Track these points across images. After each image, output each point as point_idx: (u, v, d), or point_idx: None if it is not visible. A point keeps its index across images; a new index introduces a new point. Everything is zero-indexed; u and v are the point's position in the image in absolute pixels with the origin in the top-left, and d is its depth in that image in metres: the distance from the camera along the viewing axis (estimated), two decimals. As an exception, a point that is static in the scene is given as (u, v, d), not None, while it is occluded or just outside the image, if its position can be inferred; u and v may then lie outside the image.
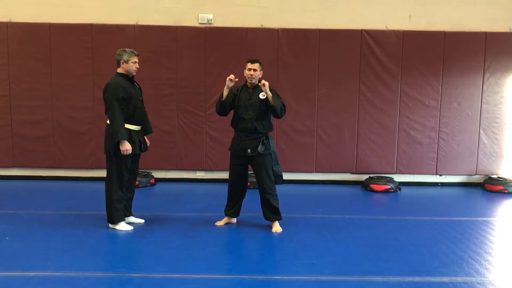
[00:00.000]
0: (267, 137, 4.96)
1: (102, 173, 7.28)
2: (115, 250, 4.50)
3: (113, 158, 4.80)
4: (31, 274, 3.75)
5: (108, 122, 4.84)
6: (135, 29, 7.26)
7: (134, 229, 4.95)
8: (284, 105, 4.97)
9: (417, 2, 7.40)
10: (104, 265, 4.07)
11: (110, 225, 4.95)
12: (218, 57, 7.29)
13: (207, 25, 7.35)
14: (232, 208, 5.20)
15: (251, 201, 5.58)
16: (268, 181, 4.96)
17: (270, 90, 4.86)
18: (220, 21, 7.36)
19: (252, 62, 4.92)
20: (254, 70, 4.89)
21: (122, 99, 4.72)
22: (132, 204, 5.21)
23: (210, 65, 7.32)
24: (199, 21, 7.36)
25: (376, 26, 7.39)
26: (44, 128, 7.35)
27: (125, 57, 4.82)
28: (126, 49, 4.88)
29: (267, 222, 5.12)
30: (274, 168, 5.00)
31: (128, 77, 4.89)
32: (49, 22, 7.22)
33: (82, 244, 4.47)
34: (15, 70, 7.24)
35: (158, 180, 7.48)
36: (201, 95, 7.36)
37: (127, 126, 4.81)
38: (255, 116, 4.88)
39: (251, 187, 5.86)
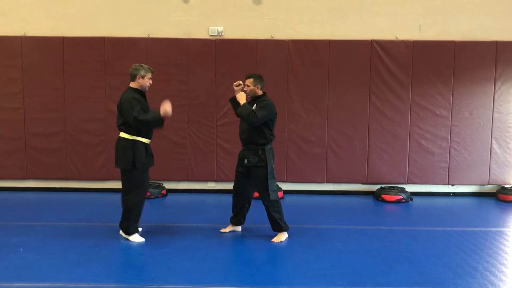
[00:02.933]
0: (263, 149, 4.96)
1: (114, 185, 7.39)
2: (127, 261, 4.52)
3: (132, 171, 4.83)
4: (45, 285, 3.78)
5: (121, 135, 4.88)
6: (147, 42, 7.35)
7: (146, 240, 4.97)
8: (253, 113, 4.83)
9: (426, 12, 7.41)
10: (117, 276, 4.09)
11: (124, 235, 4.98)
12: (229, 69, 7.34)
13: (218, 37, 7.42)
14: (236, 217, 5.30)
15: (263, 212, 5.57)
16: (264, 192, 4.96)
17: (261, 101, 4.97)
18: (231, 33, 7.42)
19: (246, 78, 5.12)
20: (247, 85, 5.08)
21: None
22: (144, 215, 5.23)
23: (221, 77, 7.37)
24: (210, 34, 7.44)
25: (386, 37, 7.40)
26: (57, 140, 7.44)
27: (142, 73, 4.92)
28: (143, 65, 4.99)
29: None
30: (268, 182, 4.94)
31: (142, 92, 4.99)
32: (62, 36, 7.34)
33: (95, 256, 4.49)
34: (29, 83, 7.36)
35: (169, 191, 7.51)
36: (212, 106, 7.41)
37: (142, 139, 4.87)
38: (248, 128, 4.97)
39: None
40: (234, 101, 5.16)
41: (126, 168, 4.84)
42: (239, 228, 5.38)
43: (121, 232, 5.04)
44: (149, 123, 4.76)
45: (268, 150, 4.98)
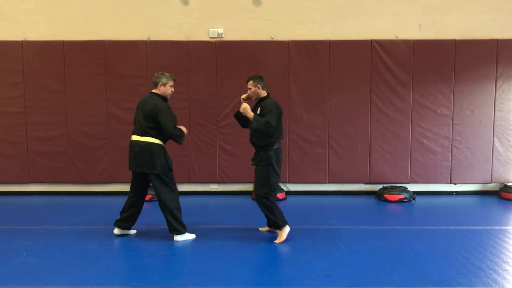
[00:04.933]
0: (265, 151, 4.95)
1: (116, 188, 7.41)
2: (130, 264, 4.52)
3: (167, 173, 4.98)
4: (48, 289, 3.79)
5: (150, 140, 4.93)
6: (147, 44, 7.36)
7: (148, 243, 4.97)
8: (268, 123, 4.82)
9: (426, 11, 7.41)
10: (120, 279, 4.08)
11: (178, 238, 5.05)
12: (229, 71, 7.35)
13: (218, 39, 7.43)
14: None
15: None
16: (258, 191, 4.98)
17: (265, 108, 4.94)
18: (231, 35, 7.43)
19: (247, 81, 5.15)
20: (249, 88, 5.09)
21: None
22: (147, 218, 5.25)
23: (221, 79, 7.38)
24: (210, 35, 7.44)
25: (386, 36, 7.40)
26: (59, 144, 7.45)
27: (164, 80, 5.04)
28: (165, 73, 5.11)
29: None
30: (272, 181, 4.96)
31: (164, 98, 5.08)
32: (62, 40, 7.36)
33: (98, 259, 4.50)
34: (30, 87, 7.38)
35: (172, 193, 7.50)
36: (213, 108, 7.41)
37: (162, 144, 5.03)
38: (252, 131, 5.01)
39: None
40: (239, 115, 5.14)
41: (162, 171, 4.95)
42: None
43: (175, 238, 5.08)
44: (177, 137, 4.98)
45: (272, 150, 4.94)
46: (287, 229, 5.03)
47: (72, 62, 7.36)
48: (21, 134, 7.43)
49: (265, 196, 4.95)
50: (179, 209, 5.05)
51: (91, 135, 7.45)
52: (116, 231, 5.17)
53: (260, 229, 5.43)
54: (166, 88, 5.06)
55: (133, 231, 5.28)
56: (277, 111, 4.94)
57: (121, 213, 5.16)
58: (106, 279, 4.00)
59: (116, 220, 5.17)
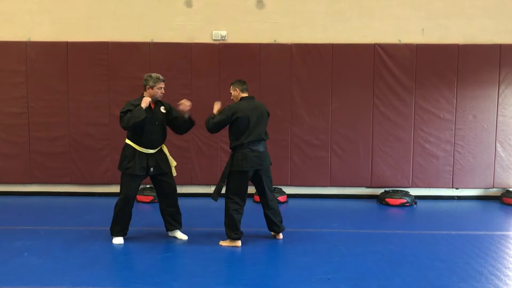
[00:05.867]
0: (232, 154, 5.02)
1: (118, 189, 7.38)
2: (131, 265, 4.53)
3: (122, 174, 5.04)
4: (49, 289, 3.79)
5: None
6: (150, 46, 7.38)
7: (149, 244, 4.97)
8: (207, 122, 5.09)
9: (430, 15, 7.41)
10: (121, 280, 4.09)
11: (180, 237, 5.16)
12: (232, 73, 7.34)
13: (221, 42, 7.44)
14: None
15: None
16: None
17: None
18: (234, 38, 7.44)
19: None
20: (230, 93, 5.21)
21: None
22: (147, 219, 5.25)
23: (224, 81, 7.37)
24: (213, 38, 7.46)
25: (389, 40, 7.40)
26: (61, 144, 7.46)
27: (151, 83, 4.95)
28: (152, 74, 5.00)
29: (283, 237, 5.16)
30: (218, 184, 5.10)
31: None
32: (66, 41, 7.38)
33: (99, 260, 4.50)
34: (33, 88, 7.39)
35: (173, 195, 7.50)
36: (215, 110, 7.41)
37: (134, 145, 4.96)
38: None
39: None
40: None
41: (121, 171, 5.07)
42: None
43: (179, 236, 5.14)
44: (129, 127, 4.81)
45: (236, 155, 4.94)
46: (234, 243, 4.99)
47: (75, 63, 7.38)
48: (23, 134, 7.44)
49: (227, 203, 5.08)
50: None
51: (94, 136, 7.45)
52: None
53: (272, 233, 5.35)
54: (154, 90, 4.96)
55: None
56: (225, 114, 4.97)
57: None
58: (107, 280, 4.01)
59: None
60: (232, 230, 4.95)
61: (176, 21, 7.45)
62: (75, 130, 7.45)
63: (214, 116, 5.05)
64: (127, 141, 4.99)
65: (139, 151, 4.93)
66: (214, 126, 5.02)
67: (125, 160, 4.96)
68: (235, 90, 5.13)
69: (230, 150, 5.07)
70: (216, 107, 5.11)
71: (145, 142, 4.95)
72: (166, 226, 5.20)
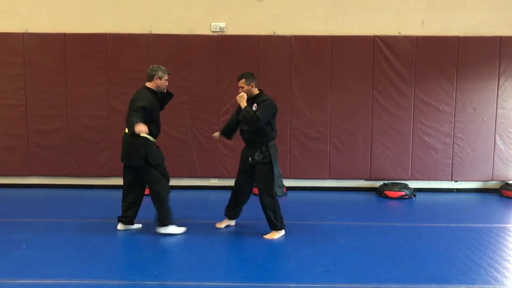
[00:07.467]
0: (267, 146, 4.94)
1: (117, 181, 7.39)
2: (130, 258, 4.52)
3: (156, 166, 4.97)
4: (48, 282, 3.78)
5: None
6: (149, 38, 7.33)
7: (148, 237, 4.97)
8: (257, 118, 4.78)
9: (430, 7, 7.37)
10: (120, 273, 4.08)
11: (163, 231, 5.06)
12: (231, 65, 7.32)
13: (220, 33, 7.40)
14: (232, 210, 5.31)
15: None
16: (263, 189, 4.93)
17: (262, 100, 4.91)
18: (233, 29, 7.40)
19: (238, 80, 5.04)
20: (241, 87, 5.01)
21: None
22: (147, 212, 5.25)
23: (223, 73, 7.35)
24: (212, 30, 7.41)
25: (389, 32, 7.36)
26: (59, 137, 7.44)
27: (160, 74, 5.00)
28: (161, 66, 5.06)
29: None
30: (276, 178, 4.92)
31: (155, 93, 5.03)
32: (64, 32, 7.33)
33: (98, 252, 4.50)
34: (31, 80, 7.35)
35: (172, 187, 7.42)
36: (214, 103, 7.39)
37: (149, 137, 4.93)
38: (249, 128, 4.93)
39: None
40: (226, 131, 5.32)
41: (154, 163, 4.96)
42: (233, 223, 5.41)
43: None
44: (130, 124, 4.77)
45: (271, 147, 4.95)
46: (281, 233, 5.02)
47: (73, 55, 7.33)
48: (21, 127, 7.41)
49: (275, 198, 4.95)
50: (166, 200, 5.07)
51: (92, 128, 7.43)
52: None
53: (217, 225, 5.37)
54: (162, 81, 5.02)
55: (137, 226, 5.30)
56: (271, 109, 4.89)
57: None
58: (106, 272, 4.00)
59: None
60: (282, 221, 5.01)
61: (174, 13, 7.40)
62: (73, 122, 7.42)
63: (252, 111, 4.82)
64: (144, 135, 4.83)
65: (153, 142, 4.99)
66: (263, 123, 4.82)
67: (155, 151, 4.93)
68: (250, 85, 4.96)
69: (257, 143, 4.94)
70: (244, 100, 4.89)
71: (156, 133, 5.05)
72: (132, 218, 5.17)
